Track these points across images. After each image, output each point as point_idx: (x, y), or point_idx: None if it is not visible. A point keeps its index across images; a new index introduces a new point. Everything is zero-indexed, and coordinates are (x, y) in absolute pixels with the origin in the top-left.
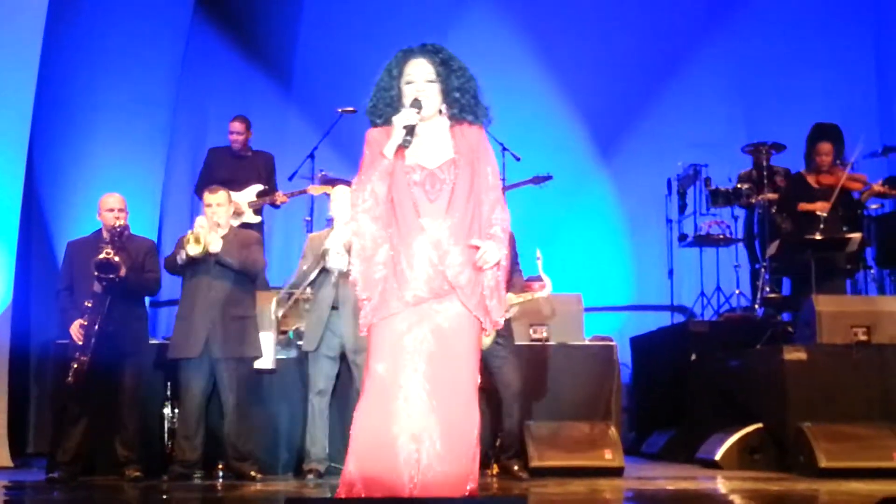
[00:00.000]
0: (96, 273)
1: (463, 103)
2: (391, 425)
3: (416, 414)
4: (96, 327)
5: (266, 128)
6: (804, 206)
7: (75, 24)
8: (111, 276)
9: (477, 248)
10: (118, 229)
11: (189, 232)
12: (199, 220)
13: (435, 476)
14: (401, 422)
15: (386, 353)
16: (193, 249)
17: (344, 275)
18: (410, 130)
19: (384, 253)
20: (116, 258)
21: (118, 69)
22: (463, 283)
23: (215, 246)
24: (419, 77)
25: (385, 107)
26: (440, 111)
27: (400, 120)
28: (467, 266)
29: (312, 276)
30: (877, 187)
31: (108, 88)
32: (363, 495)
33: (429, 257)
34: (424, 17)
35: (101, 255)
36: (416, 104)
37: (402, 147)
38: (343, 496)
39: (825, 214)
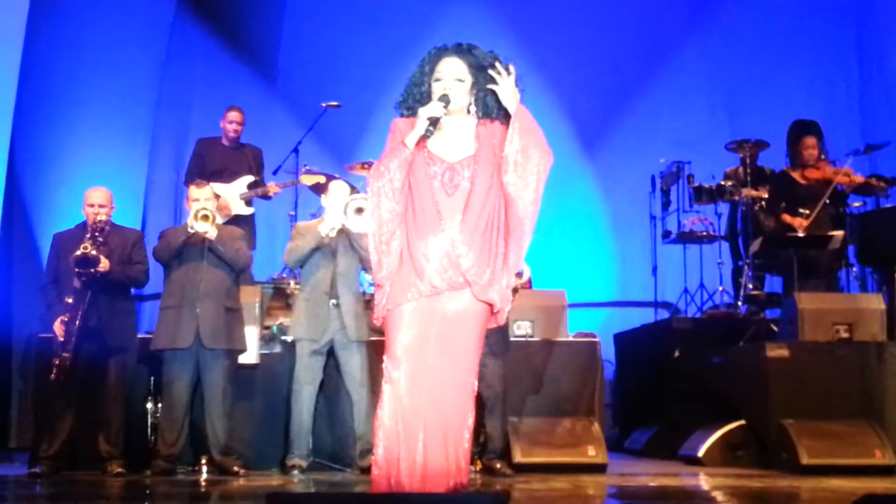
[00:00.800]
0: (75, 269)
1: (490, 104)
2: (398, 414)
3: (416, 403)
4: (77, 323)
5: (250, 122)
6: (787, 217)
7: (58, 18)
8: (90, 270)
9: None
10: (98, 224)
11: (194, 211)
12: (201, 203)
13: (423, 468)
14: (401, 410)
15: (397, 342)
16: (203, 227)
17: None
18: (434, 122)
19: (398, 242)
20: (94, 252)
21: (101, 64)
22: (478, 280)
23: (211, 232)
24: (448, 75)
25: (414, 102)
26: (468, 111)
27: (425, 111)
28: (480, 263)
29: (325, 230)
30: (860, 178)
31: (91, 83)
32: (388, 482)
33: (446, 250)
34: (409, 12)
35: (79, 251)
36: (444, 99)
37: (424, 138)
38: (381, 485)
39: (803, 231)
